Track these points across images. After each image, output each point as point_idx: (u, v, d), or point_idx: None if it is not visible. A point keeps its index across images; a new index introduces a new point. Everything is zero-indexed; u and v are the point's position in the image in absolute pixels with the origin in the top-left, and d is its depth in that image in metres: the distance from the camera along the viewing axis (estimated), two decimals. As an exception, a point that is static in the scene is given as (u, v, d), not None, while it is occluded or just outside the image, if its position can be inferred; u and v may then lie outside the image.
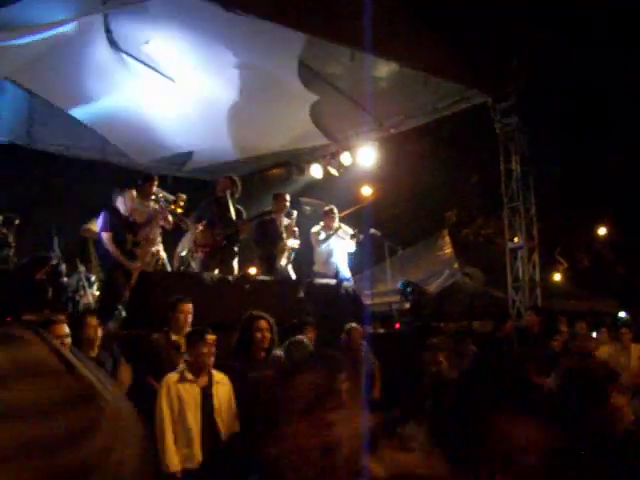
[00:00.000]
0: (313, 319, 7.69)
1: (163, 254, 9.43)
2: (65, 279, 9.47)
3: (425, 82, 10.69)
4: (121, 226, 8.60)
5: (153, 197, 9.09)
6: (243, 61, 10.38)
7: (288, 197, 10.65)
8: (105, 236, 8.49)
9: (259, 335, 5.57)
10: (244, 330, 5.65)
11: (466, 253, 15.65)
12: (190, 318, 6.30)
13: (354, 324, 7.77)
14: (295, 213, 10.73)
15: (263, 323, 5.64)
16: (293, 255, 10.51)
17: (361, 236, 10.78)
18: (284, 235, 10.23)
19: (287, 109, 11.86)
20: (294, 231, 10.45)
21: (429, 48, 10.09)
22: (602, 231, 22.74)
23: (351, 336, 7.61)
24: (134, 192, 8.94)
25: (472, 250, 16.57)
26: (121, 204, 8.77)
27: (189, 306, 6.33)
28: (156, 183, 9.22)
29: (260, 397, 4.86)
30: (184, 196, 9.34)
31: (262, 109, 11.68)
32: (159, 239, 9.35)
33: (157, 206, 9.07)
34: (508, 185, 11.30)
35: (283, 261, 10.24)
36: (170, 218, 9.20)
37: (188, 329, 6.05)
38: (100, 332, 5.76)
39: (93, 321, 5.65)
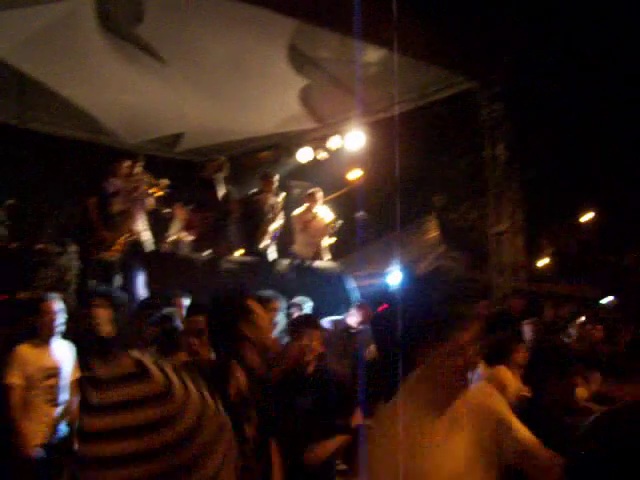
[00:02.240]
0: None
1: (146, 235, 9.52)
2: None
3: (413, 68, 10.82)
4: (107, 193, 8.61)
5: (137, 177, 9.15)
6: (234, 44, 10.46)
7: (276, 177, 10.78)
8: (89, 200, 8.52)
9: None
10: None
11: (452, 237, 15.80)
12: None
13: (361, 302, 7.75)
14: (283, 194, 10.87)
15: (276, 303, 5.86)
16: (276, 234, 10.64)
17: (337, 224, 10.91)
18: (269, 215, 10.35)
19: (277, 92, 11.95)
20: (279, 211, 10.59)
21: (418, 34, 10.20)
22: (588, 217, 22.96)
23: (359, 314, 7.45)
24: (126, 165, 8.98)
25: (458, 234, 16.73)
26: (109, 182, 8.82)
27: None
28: (141, 164, 9.27)
29: None
30: (166, 181, 9.41)
31: (253, 92, 11.76)
32: (142, 220, 9.46)
33: (140, 186, 9.12)
34: (493, 171, 11.48)
35: (266, 241, 10.36)
36: (151, 200, 9.28)
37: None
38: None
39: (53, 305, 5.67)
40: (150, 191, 9.20)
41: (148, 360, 1.09)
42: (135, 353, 1.12)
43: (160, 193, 9.29)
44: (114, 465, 1.01)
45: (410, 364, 2.55)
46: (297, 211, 10.93)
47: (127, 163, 9.04)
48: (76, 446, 1.08)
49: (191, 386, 1.10)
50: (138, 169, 9.19)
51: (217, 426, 1.09)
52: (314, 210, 10.85)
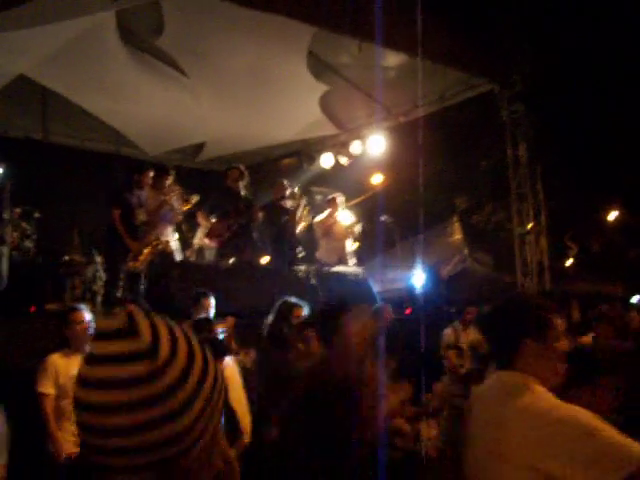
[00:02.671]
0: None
1: (174, 245, 9.57)
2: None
3: (433, 71, 10.81)
4: (131, 204, 8.69)
5: (168, 190, 9.23)
6: (253, 52, 10.51)
7: (286, 182, 10.85)
8: (113, 212, 8.57)
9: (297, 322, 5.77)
10: (281, 317, 5.79)
11: (476, 239, 15.76)
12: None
13: (383, 304, 7.76)
14: (297, 193, 10.91)
15: (300, 311, 5.87)
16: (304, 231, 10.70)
17: (357, 228, 10.91)
18: (288, 217, 10.43)
19: (297, 99, 11.98)
20: (299, 211, 10.64)
21: (436, 37, 10.20)
22: (613, 215, 22.75)
23: (381, 316, 7.48)
24: (149, 175, 9.06)
25: (482, 236, 16.68)
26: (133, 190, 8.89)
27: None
28: (171, 177, 9.36)
29: None
30: (196, 198, 9.51)
31: (273, 100, 11.81)
32: (169, 230, 9.50)
33: (169, 199, 9.19)
34: (515, 172, 11.45)
35: (293, 244, 10.42)
36: (179, 214, 9.34)
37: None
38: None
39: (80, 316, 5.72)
40: (180, 204, 9.28)
41: (142, 315, 1.15)
42: (133, 307, 1.18)
43: (189, 207, 9.39)
44: (104, 412, 1.09)
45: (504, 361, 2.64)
46: (319, 217, 10.97)
47: (151, 174, 9.12)
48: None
49: (182, 343, 1.16)
50: (170, 181, 9.28)
51: (197, 380, 1.15)
52: (336, 215, 10.88)
